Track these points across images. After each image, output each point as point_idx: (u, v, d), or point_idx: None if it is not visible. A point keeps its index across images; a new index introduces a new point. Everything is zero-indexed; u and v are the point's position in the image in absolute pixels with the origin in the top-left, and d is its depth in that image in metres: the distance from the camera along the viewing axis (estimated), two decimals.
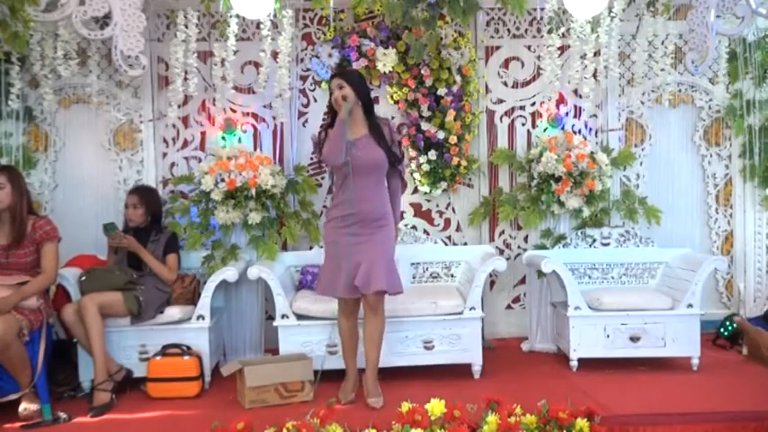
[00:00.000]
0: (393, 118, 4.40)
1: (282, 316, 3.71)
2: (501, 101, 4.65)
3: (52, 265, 3.45)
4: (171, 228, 4.07)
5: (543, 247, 4.35)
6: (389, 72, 4.42)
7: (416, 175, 4.51)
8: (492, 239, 4.65)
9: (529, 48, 4.63)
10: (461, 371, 3.75)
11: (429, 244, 4.37)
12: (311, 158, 4.57)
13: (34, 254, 3.43)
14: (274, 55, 4.09)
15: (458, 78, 4.45)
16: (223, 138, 4.39)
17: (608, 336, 3.82)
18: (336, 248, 3.31)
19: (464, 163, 4.49)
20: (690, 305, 3.80)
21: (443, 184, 4.52)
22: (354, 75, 3.46)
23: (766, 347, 3.74)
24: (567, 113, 4.56)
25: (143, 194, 3.93)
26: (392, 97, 4.48)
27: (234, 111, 4.45)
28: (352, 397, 3.35)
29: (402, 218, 3.50)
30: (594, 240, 4.33)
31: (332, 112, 3.40)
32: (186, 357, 3.58)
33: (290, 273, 4.21)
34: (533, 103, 4.63)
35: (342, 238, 3.28)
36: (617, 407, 3.15)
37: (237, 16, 3.97)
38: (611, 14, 4.02)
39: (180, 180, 4.35)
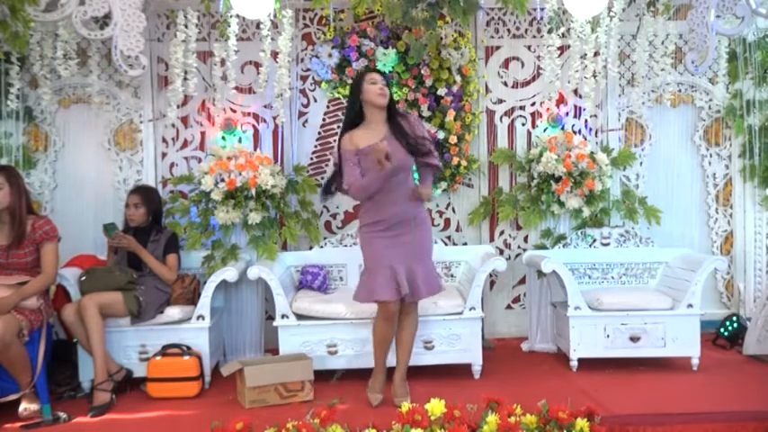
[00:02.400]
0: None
1: (282, 316, 3.71)
2: (501, 101, 4.65)
3: (52, 266, 3.45)
4: (171, 228, 4.07)
5: (543, 247, 4.35)
6: (389, 72, 4.42)
7: (416, 175, 4.50)
8: (492, 239, 4.65)
9: (529, 48, 4.63)
10: (461, 371, 3.75)
11: None
12: (311, 158, 4.57)
13: (34, 254, 3.43)
14: (274, 55, 4.09)
15: (458, 78, 4.44)
16: (223, 138, 4.39)
17: (608, 336, 3.82)
18: (373, 254, 3.26)
19: (464, 163, 4.49)
20: (690, 305, 3.79)
21: (443, 184, 4.52)
22: (385, 77, 3.38)
23: None
24: (567, 113, 4.56)
25: (144, 194, 3.92)
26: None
27: (234, 111, 4.45)
28: (381, 398, 3.30)
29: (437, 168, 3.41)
30: (594, 240, 4.33)
31: (353, 110, 3.29)
32: (186, 357, 3.58)
33: (290, 273, 4.21)
34: (533, 103, 4.63)
35: (377, 242, 3.24)
36: (617, 407, 3.15)
37: (237, 16, 3.97)
38: (611, 14, 4.03)
39: (180, 180, 4.35)
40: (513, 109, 4.65)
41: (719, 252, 4.69)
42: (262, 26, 4.00)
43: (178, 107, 4.24)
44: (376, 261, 3.25)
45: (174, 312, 3.75)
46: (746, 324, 4.22)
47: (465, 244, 4.60)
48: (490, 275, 4.18)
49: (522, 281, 4.59)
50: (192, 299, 3.87)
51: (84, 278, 3.65)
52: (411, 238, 3.27)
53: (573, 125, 4.57)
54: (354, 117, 3.29)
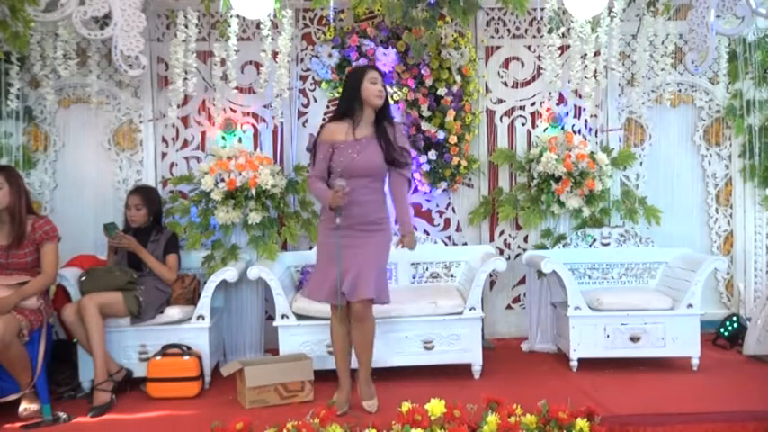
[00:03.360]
0: (393, 118, 4.34)
1: (282, 316, 3.71)
2: (501, 101, 4.65)
3: (52, 266, 3.45)
4: (171, 228, 4.06)
5: (543, 247, 4.35)
6: (389, 72, 4.42)
7: (417, 175, 4.51)
8: (492, 239, 4.65)
9: (529, 48, 4.63)
10: (461, 371, 3.75)
11: (429, 244, 4.37)
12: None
13: (34, 254, 3.43)
14: (274, 55, 4.09)
15: (458, 78, 4.44)
16: (223, 138, 4.39)
17: (608, 336, 3.82)
18: (326, 250, 3.20)
19: (464, 163, 4.49)
20: (690, 305, 3.79)
21: (443, 184, 4.52)
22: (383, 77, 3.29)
23: None
24: (567, 113, 4.56)
25: (145, 195, 3.92)
26: (392, 97, 4.47)
27: (234, 111, 4.46)
28: (346, 408, 3.21)
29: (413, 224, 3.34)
30: (594, 240, 4.33)
31: (346, 104, 3.22)
32: (186, 357, 3.58)
33: (290, 273, 4.21)
34: (533, 103, 4.63)
35: (331, 240, 3.15)
36: (617, 407, 3.15)
37: (237, 16, 3.97)
38: (612, 14, 4.03)
39: (180, 180, 4.35)
40: (513, 109, 4.65)
41: (719, 252, 4.69)
42: (262, 26, 4.00)
43: (178, 107, 4.24)
44: (327, 259, 3.18)
45: (174, 312, 3.75)
46: (746, 324, 4.22)
47: (465, 244, 4.60)
48: (490, 275, 4.18)
49: (522, 281, 4.59)
50: (192, 299, 3.87)
51: (84, 278, 3.65)
52: (367, 242, 3.17)
53: (573, 125, 4.57)
54: (346, 110, 3.22)
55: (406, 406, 2.74)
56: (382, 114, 3.24)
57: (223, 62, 4.09)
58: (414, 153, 4.42)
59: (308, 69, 4.54)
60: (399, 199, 3.31)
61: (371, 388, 3.28)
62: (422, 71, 4.42)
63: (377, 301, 3.19)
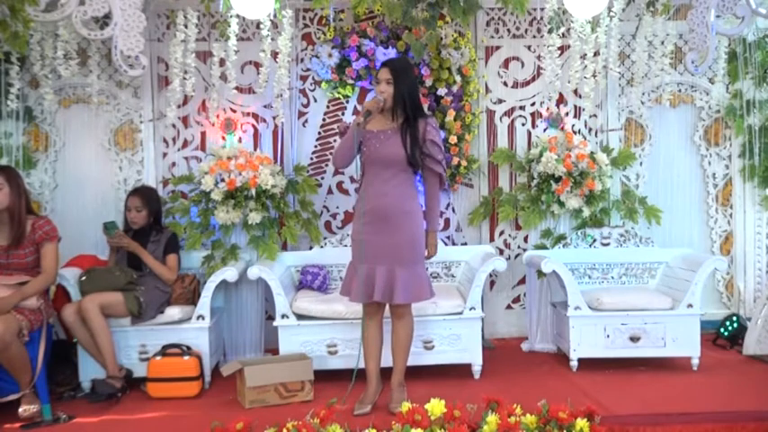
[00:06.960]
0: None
1: (282, 316, 3.71)
2: (501, 101, 4.64)
3: (52, 266, 3.45)
4: (171, 228, 4.06)
5: (543, 247, 4.35)
6: None
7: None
8: (492, 239, 4.65)
9: (529, 48, 4.63)
10: (461, 371, 3.75)
11: None
12: (311, 158, 4.57)
13: (34, 254, 3.43)
14: (274, 55, 4.09)
15: (458, 78, 4.44)
16: (223, 138, 4.39)
17: (608, 336, 3.82)
18: (356, 247, 3.21)
19: (464, 163, 4.49)
20: (690, 305, 3.79)
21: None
22: (404, 69, 3.21)
23: None
24: (567, 113, 4.56)
25: (145, 196, 3.91)
26: None
27: (234, 111, 4.45)
28: (368, 409, 3.16)
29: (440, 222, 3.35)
30: (594, 240, 4.33)
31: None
32: (186, 357, 3.58)
33: (290, 273, 4.21)
34: (533, 103, 4.63)
35: (362, 237, 3.17)
36: (617, 407, 3.15)
37: (237, 16, 3.97)
38: (611, 14, 4.03)
39: (180, 180, 4.35)
40: (513, 109, 4.65)
41: (719, 252, 4.69)
42: (262, 26, 4.01)
43: (178, 107, 4.24)
44: (357, 258, 3.21)
45: (174, 312, 3.75)
46: (746, 324, 4.22)
47: (465, 244, 4.60)
48: (490, 275, 4.17)
49: (522, 281, 4.59)
50: (192, 299, 3.87)
51: (84, 278, 3.65)
52: (398, 238, 3.16)
53: (573, 125, 4.57)
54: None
55: (405, 406, 2.74)
56: (410, 109, 3.20)
57: (223, 62, 4.09)
58: None
59: (308, 69, 4.54)
60: (428, 196, 3.32)
61: (404, 393, 3.25)
62: (422, 71, 4.42)
63: (414, 302, 3.25)
